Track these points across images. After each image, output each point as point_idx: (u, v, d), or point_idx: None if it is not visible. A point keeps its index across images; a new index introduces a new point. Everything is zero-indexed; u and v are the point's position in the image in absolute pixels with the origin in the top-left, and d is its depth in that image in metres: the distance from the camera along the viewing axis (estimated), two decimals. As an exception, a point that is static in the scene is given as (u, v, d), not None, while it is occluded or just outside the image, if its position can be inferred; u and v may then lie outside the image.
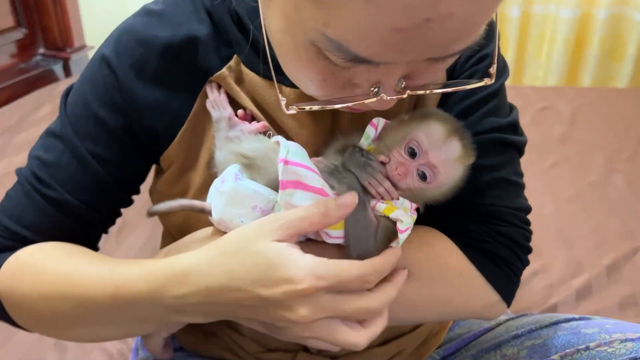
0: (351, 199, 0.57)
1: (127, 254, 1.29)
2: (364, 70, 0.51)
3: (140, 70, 0.66)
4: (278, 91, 0.56)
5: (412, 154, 0.61)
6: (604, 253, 1.30)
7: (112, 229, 0.77)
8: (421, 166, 0.61)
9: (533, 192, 1.49)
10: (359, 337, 0.56)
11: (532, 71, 2.36)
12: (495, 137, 0.69)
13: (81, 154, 0.67)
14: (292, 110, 0.54)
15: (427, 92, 0.55)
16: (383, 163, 0.62)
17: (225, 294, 0.55)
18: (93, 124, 0.67)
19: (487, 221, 0.69)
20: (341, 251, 0.60)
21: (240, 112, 0.66)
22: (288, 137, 0.67)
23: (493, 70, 0.56)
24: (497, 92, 0.71)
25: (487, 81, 0.56)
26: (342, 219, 0.57)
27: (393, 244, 0.62)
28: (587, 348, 0.69)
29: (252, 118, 0.68)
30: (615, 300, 1.19)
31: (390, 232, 0.62)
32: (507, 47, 2.27)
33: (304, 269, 0.53)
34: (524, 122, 1.74)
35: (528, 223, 0.72)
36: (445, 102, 0.71)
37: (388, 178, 0.62)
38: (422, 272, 0.67)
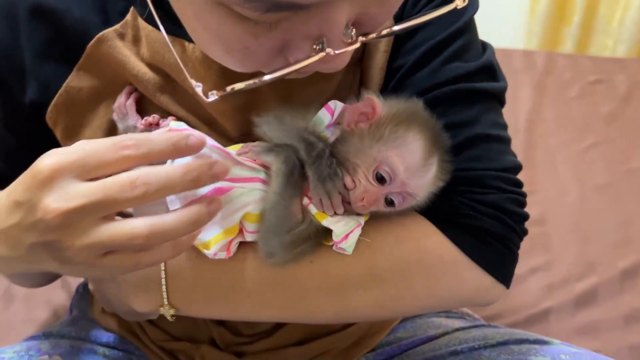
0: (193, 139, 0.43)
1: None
2: (298, 23, 0.40)
3: (7, 28, 0.59)
4: (188, 76, 0.44)
5: (382, 179, 0.52)
6: (624, 254, 1.12)
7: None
8: (392, 194, 0.53)
9: (558, 176, 1.33)
10: (135, 222, 0.42)
11: (601, 39, 2.09)
12: (462, 87, 0.57)
13: None
14: (214, 97, 0.42)
15: (385, 32, 0.43)
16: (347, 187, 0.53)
17: None
18: None
19: (467, 191, 0.57)
20: None
21: (150, 119, 0.58)
22: (194, 106, 0.59)
23: None
24: (462, 30, 0.59)
25: (458, 3, 0.43)
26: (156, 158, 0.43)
27: (335, 248, 0.54)
28: (525, 382, 0.58)
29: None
30: (622, 311, 1.02)
31: (323, 233, 0.54)
32: (574, 8, 2.01)
33: (45, 156, 0.43)
34: (569, 96, 1.55)
35: (519, 184, 0.59)
36: (397, 52, 0.59)
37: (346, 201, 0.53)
38: (394, 259, 0.56)
